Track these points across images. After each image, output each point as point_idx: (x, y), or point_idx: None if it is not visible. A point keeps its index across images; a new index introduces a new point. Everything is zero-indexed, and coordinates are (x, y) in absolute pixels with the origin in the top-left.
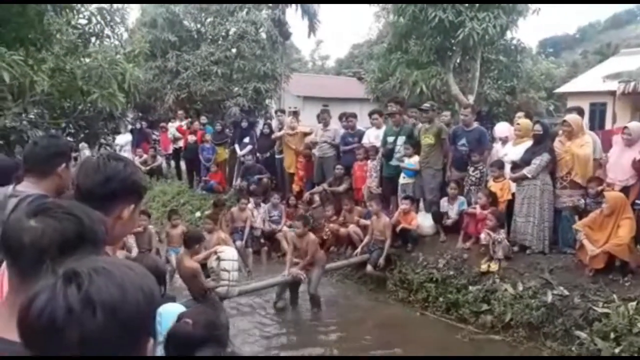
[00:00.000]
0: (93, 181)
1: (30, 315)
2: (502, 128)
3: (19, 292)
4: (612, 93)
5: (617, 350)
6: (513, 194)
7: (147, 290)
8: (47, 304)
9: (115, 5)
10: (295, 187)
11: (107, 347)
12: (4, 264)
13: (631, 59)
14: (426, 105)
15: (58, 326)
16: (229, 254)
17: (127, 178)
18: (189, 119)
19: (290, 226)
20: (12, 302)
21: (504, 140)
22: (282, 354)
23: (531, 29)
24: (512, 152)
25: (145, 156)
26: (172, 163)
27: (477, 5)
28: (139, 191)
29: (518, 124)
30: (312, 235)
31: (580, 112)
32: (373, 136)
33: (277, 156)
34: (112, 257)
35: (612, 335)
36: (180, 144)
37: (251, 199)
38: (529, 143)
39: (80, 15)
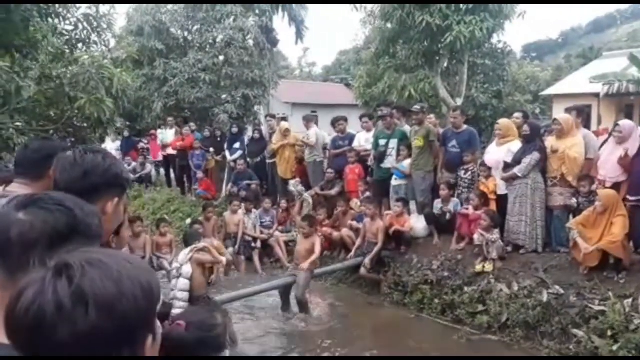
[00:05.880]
0: (70, 176)
1: (17, 311)
2: None
3: (6, 288)
4: (596, 95)
5: (614, 348)
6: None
7: (146, 285)
8: (35, 299)
9: (102, 11)
10: None
11: (101, 346)
12: None
13: (613, 61)
14: (416, 107)
15: (47, 323)
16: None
17: (108, 170)
18: (178, 127)
19: (282, 231)
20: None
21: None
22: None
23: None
24: (495, 152)
25: (134, 164)
26: (162, 171)
27: (463, 8)
28: (121, 184)
29: (498, 124)
30: (317, 236)
31: (580, 111)
32: (364, 139)
33: (268, 161)
34: (109, 249)
35: (609, 333)
36: (169, 151)
37: (242, 205)
38: (514, 143)
39: (67, 22)
